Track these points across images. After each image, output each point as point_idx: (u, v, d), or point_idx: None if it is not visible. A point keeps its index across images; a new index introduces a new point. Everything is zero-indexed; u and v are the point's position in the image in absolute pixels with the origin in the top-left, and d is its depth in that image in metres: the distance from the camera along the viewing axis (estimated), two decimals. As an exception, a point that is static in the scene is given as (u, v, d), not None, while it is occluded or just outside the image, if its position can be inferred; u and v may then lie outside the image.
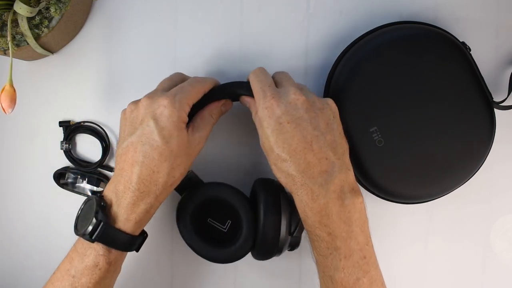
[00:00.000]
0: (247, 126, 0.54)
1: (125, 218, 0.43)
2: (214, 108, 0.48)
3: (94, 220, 0.42)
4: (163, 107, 0.43)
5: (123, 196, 0.43)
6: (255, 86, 0.46)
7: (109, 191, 0.44)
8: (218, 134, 0.55)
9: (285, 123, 0.42)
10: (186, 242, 0.49)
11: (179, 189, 0.50)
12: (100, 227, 0.42)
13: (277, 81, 0.47)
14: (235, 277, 0.56)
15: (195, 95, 0.46)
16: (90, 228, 0.42)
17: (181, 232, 0.49)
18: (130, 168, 0.43)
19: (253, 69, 0.51)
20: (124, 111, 0.47)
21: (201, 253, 0.49)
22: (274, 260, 0.51)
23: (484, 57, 0.53)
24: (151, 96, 0.45)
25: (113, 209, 0.43)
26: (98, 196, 0.45)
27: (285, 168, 0.42)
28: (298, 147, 0.42)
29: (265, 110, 0.43)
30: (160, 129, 0.43)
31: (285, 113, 0.42)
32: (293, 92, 0.43)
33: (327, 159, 0.42)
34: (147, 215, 0.44)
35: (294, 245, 0.49)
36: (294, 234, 0.47)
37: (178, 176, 0.44)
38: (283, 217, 0.46)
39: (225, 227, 0.50)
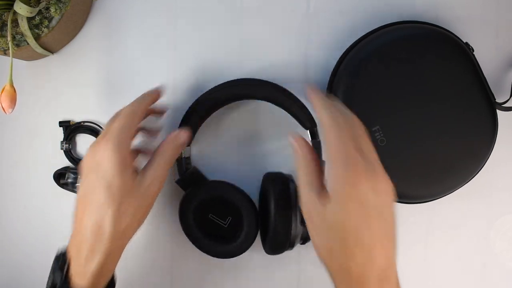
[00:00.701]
0: (251, 124, 0.54)
1: (81, 272, 0.41)
2: (165, 143, 0.45)
3: (52, 277, 0.42)
4: (102, 151, 0.41)
5: (80, 248, 0.41)
6: (336, 141, 0.36)
7: (71, 244, 0.43)
8: (222, 131, 0.55)
9: (372, 217, 0.34)
10: (189, 238, 0.50)
11: (182, 184, 0.50)
12: (58, 284, 0.41)
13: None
14: (235, 275, 0.56)
15: (131, 123, 0.43)
16: (49, 285, 0.42)
17: (184, 229, 0.50)
18: (81, 220, 0.42)
19: (252, 69, 0.52)
20: None
21: (204, 248, 0.50)
22: (275, 257, 0.51)
23: (486, 57, 0.53)
24: (93, 143, 0.44)
25: (73, 263, 0.42)
26: (62, 251, 0.44)
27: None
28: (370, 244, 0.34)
29: (346, 187, 0.34)
30: (102, 175, 0.41)
31: (376, 206, 0.34)
32: (383, 178, 0.35)
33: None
34: (104, 268, 0.41)
35: (306, 238, 0.49)
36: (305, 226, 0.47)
37: (129, 222, 0.41)
38: (294, 210, 0.47)
39: (225, 223, 0.50)
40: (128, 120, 0.43)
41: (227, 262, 0.55)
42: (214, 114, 0.52)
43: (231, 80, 0.51)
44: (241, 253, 0.50)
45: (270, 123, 0.54)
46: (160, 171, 0.44)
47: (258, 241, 0.51)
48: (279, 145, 0.55)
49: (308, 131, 0.49)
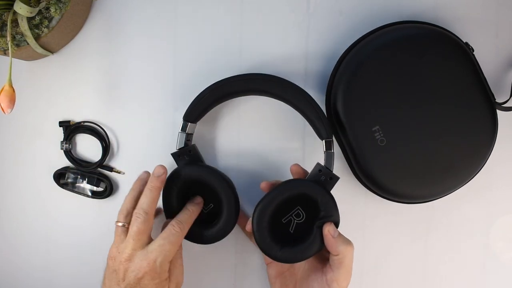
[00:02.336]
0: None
1: None
2: (168, 223, 0.48)
3: None
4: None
5: None
6: (350, 264, 0.47)
7: None
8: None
9: None
10: (165, 212, 0.50)
11: (177, 158, 0.51)
12: None
13: None
14: (236, 275, 0.56)
15: (147, 221, 0.47)
16: None
17: (164, 202, 0.50)
18: None
19: (252, 69, 0.52)
20: None
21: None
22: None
23: (486, 57, 0.53)
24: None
25: None
26: None
27: None
28: None
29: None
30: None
31: None
32: None
33: None
34: None
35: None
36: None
37: None
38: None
39: (206, 208, 0.50)
40: (142, 221, 0.47)
41: (227, 261, 0.55)
42: (222, 104, 0.53)
43: (252, 73, 0.50)
44: (216, 241, 0.49)
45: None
46: (163, 255, 0.46)
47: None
48: (283, 146, 0.55)
49: (323, 141, 0.49)
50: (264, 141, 0.55)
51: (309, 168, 0.50)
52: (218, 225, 0.49)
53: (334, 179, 0.49)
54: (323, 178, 0.48)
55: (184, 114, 0.51)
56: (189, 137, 0.51)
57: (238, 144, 0.55)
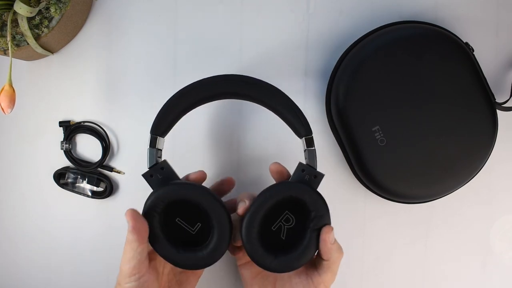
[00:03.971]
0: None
1: None
2: None
3: None
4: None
5: None
6: (337, 268, 0.47)
7: None
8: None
9: None
10: (152, 245, 0.44)
11: (149, 178, 0.45)
12: None
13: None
14: (236, 276, 0.56)
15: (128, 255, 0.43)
16: None
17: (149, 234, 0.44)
18: None
19: (252, 69, 0.52)
20: None
21: (165, 254, 0.44)
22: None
23: (486, 57, 0.53)
24: None
25: None
26: None
27: None
28: None
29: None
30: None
31: None
32: None
33: None
34: None
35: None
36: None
37: None
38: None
39: (194, 229, 0.45)
40: (125, 254, 0.44)
41: (228, 265, 0.55)
42: (197, 108, 0.48)
43: (218, 75, 0.46)
44: (210, 264, 0.44)
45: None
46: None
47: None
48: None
49: (303, 139, 0.46)
50: (264, 144, 0.55)
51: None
52: (211, 244, 0.44)
53: (319, 177, 0.45)
54: (307, 177, 0.45)
55: (152, 128, 0.46)
56: (159, 153, 0.46)
57: (238, 150, 0.55)
